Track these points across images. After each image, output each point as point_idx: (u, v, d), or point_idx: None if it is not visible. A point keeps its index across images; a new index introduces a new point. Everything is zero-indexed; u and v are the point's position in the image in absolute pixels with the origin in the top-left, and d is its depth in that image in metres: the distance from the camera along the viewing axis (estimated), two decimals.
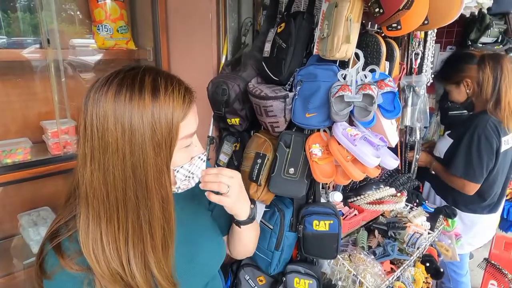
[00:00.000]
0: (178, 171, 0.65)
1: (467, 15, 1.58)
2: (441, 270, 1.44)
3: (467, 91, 1.64)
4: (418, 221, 1.43)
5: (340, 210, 1.32)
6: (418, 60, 1.36)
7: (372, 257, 1.25)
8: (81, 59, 1.24)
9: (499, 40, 1.83)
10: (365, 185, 1.39)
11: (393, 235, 1.38)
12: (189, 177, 0.67)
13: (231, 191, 0.70)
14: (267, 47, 1.20)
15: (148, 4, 1.20)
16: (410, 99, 1.36)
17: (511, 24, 1.78)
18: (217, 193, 0.71)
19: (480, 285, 2.07)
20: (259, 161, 1.16)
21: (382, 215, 1.53)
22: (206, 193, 0.71)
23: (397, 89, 1.09)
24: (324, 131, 1.10)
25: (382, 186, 1.38)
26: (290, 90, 1.13)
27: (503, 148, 1.57)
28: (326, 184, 1.27)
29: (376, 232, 1.41)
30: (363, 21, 1.09)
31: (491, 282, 2.02)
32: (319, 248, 1.14)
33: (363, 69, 1.03)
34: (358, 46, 1.02)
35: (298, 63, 1.14)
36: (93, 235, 0.59)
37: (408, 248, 1.33)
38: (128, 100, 0.55)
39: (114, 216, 0.59)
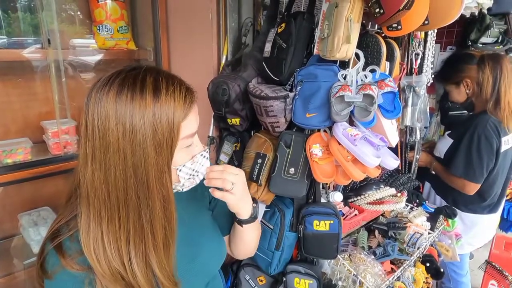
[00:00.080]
0: (180, 170, 0.65)
1: (467, 16, 1.58)
2: (441, 270, 1.44)
3: (467, 91, 1.64)
4: (419, 221, 1.43)
5: (341, 210, 1.32)
6: (419, 60, 1.37)
7: (372, 257, 1.25)
8: (82, 59, 1.24)
9: (499, 41, 1.83)
10: (365, 185, 1.39)
11: (393, 235, 1.38)
12: (193, 175, 0.68)
13: (235, 188, 0.70)
14: (268, 47, 1.21)
15: (148, 4, 1.21)
16: (410, 99, 1.36)
17: (511, 25, 1.78)
18: (220, 190, 0.71)
19: (480, 285, 2.07)
20: (259, 161, 1.16)
21: (382, 215, 1.53)
22: (210, 190, 0.71)
23: (397, 89, 1.09)
24: (325, 131, 1.10)
25: (382, 186, 1.38)
26: (291, 90, 1.13)
27: (503, 148, 1.57)
28: (327, 184, 1.27)
29: (376, 232, 1.41)
30: (364, 22, 1.09)
31: (491, 282, 2.02)
32: (319, 248, 1.14)
33: (364, 69, 1.03)
34: (358, 46, 1.02)
35: (298, 63, 1.14)
36: (94, 235, 0.59)
37: (408, 248, 1.33)
38: (129, 100, 0.56)
39: (115, 215, 0.59)
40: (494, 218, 1.80)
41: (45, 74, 1.15)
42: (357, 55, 1.03)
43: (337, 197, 1.18)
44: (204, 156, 0.69)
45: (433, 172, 1.75)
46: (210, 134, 1.45)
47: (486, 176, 1.58)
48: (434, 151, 1.78)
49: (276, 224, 1.18)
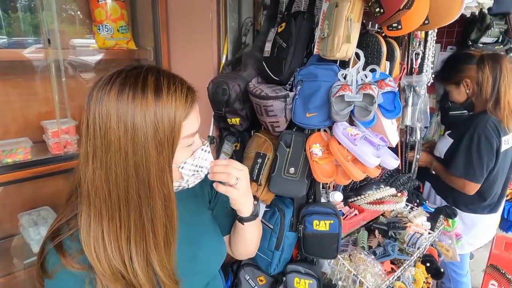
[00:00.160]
0: (183, 168, 0.65)
1: (468, 15, 1.59)
2: (442, 270, 1.44)
3: (467, 91, 1.64)
4: (419, 221, 1.43)
5: (341, 210, 1.32)
6: (419, 60, 1.37)
7: (373, 257, 1.25)
8: (82, 59, 1.24)
9: (500, 40, 1.83)
10: (365, 185, 1.39)
11: (393, 235, 1.38)
12: (196, 171, 0.67)
13: (239, 184, 0.70)
14: (268, 47, 1.20)
15: (148, 4, 1.21)
16: (411, 99, 1.36)
17: (511, 24, 1.78)
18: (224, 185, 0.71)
19: (480, 285, 2.07)
20: (259, 160, 1.16)
21: (382, 215, 1.52)
22: (214, 184, 0.71)
23: (397, 89, 1.09)
24: (325, 130, 1.10)
25: (382, 186, 1.38)
26: (291, 90, 1.13)
27: (503, 147, 1.57)
28: (327, 184, 1.27)
29: (377, 232, 1.41)
30: (364, 21, 1.09)
31: (491, 282, 2.01)
32: (319, 248, 1.14)
33: (364, 68, 1.03)
34: (358, 46, 1.02)
35: (298, 63, 1.14)
36: (95, 234, 0.59)
37: (408, 248, 1.33)
38: (131, 99, 0.56)
39: (116, 214, 0.59)
40: (494, 218, 1.80)
41: (45, 74, 1.15)
42: (357, 54, 1.02)
43: (337, 197, 1.18)
44: (205, 151, 0.68)
45: (433, 172, 1.75)
46: (210, 134, 1.45)
47: (486, 176, 1.58)
48: (434, 151, 1.78)
49: (276, 224, 1.18)
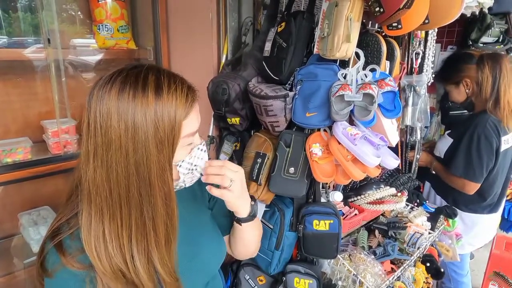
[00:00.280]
0: (180, 166, 0.65)
1: (468, 15, 1.58)
2: (442, 270, 1.43)
3: (467, 91, 1.64)
4: (419, 221, 1.43)
5: (340, 210, 1.32)
6: (419, 60, 1.36)
7: (373, 257, 1.24)
8: (82, 59, 1.24)
9: (500, 40, 1.82)
10: (365, 184, 1.38)
11: (393, 235, 1.38)
12: (192, 169, 0.67)
13: (234, 186, 0.69)
14: (268, 46, 1.20)
15: (148, 4, 1.21)
16: (411, 99, 1.35)
17: None
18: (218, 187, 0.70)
19: (481, 286, 2.06)
20: (259, 160, 1.16)
21: (382, 215, 1.52)
22: (207, 187, 0.70)
23: (397, 88, 1.09)
24: (325, 130, 1.10)
25: (382, 186, 1.38)
26: (291, 90, 1.13)
27: (503, 147, 1.57)
28: (326, 183, 1.27)
29: (377, 232, 1.41)
30: (364, 21, 1.09)
31: (492, 282, 2.01)
32: (319, 247, 1.14)
33: (364, 68, 1.03)
34: (358, 46, 1.01)
35: (298, 62, 1.14)
36: (96, 232, 0.59)
37: (408, 248, 1.33)
38: (131, 98, 0.56)
39: (117, 213, 0.59)
40: (494, 218, 1.80)
41: (45, 73, 1.15)
42: (357, 54, 1.02)
43: (337, 197, 1.18)
44: (201, 149, 0.68)
45: (433, 172, 1.75)
46: (210, 134, 1.45)
47: (486, 175, 1.57)
48: (434, 150, 1.78)
49: (276, 223, 1.18)
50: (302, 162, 1.09)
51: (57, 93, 1.14)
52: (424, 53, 1.38)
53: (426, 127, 1.93)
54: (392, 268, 1.30)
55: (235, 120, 1.28)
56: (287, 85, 1.15)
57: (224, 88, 1.21)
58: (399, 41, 1.36)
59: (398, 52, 1.18)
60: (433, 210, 1.57)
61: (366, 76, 1.02)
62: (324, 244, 1.12)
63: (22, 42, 1.13)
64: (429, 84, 1.43)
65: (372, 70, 1.03)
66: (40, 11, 1.08)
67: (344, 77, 1.02)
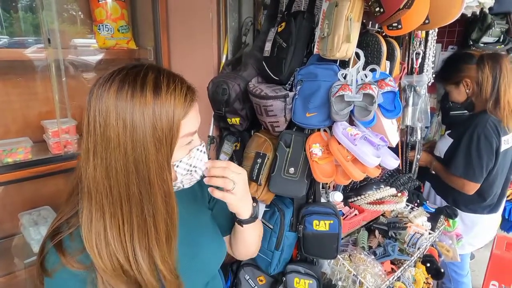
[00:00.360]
0: (178, 166, 0.65)
1: (469, 15, 1.58)
2: (442, 270, 1.43)
3: (467, 91, 1.64)
4: (419, 221, 1.42)
5: (341, 210, 1.32)
6: (419, 60, 1.36)
7: (373, 257, 1.24)
8: (82, 59, 1.24)
9: (501, 40, 1.82)
10: (365, 185, 1.38)
11: (393, 235, 1.38)
12: (190, 170, 0.67)
13: (236, 188, 0.69)
14: (268, 46, 1.20)
15: (148, 4, 1.21)
16: (411, 99, 1.35)
17: None
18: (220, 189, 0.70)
19: (481, 286, 2.06)
20: (259, 160, 1.16)
21: (382, 215, 1.52)
22: (209, 189, 0.70)
23: (397, 88, 1.09)
24: (325, 130, 1.10)
25: (382, 186, 1.38)
26: (291, 90, 1.13)
27: (503, 147, 1.57)
28: (327, 184, 1.27)
29: (377, 232, 1.41)
30: (364, 21, 1.09)
31: (492, 282, 2.01)
32: (319, 248, 1.14)
33: (364, 68, 1.03)
34: (358, 46, 1.01)
35: (298, 62, 1.14)
36: (96, 229, 0.59)
37: (408, 248, 1.33)
38: (130, 96, 0.56)
39: (118, 210, 0.59)
40: (494, 218, 1.79)
41: (45, 73, 1.15)
42: (357, 54, 1.02)
43: (337, 197, 1.18)
44: (201, 151, 0.68)
45: (433, 172, 1.75)
46: (210, 134, 1.45)
47: (485, 175, 1.57)
48: (434, 150, 1.78)
49: (276, 223, 1.18)
50: (302, 162, 1.09)
51: (57, 93, 1.14)
52: (424, 53, 1.38)
53: (426, 127, 1.93)
54: (392, 269, 1.30)
55: (235, 120, 1.28)
56: (287, 85, 1.15)
57: (224, 88, 1.21)
58: (400, 41, 1.36)
59: (398, 52, 1.17)
60: (434, 210, 1.57)
61: (366, 76, 1.02)
62: (324, 244, 1.12)
63: (22, 42, 1.13)
64: (430, 84, 1.43)
65: (372, 70, 1.03)
66: (40, 11, 1.08)
67: (344, 77, 1.02)
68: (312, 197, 1.18)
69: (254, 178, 1.15)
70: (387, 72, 1.16)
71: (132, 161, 0.57)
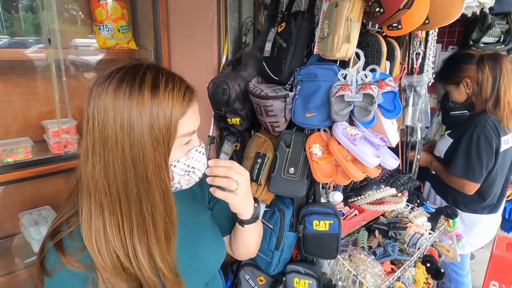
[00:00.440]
0: (175, 166, 0.64)
1: (469, 15, 1.58)
2: (442, 270, 1.43)
3: (467, 91, 1.64)
4: (419, 222, 1.42)
5: (341, 210, 1.32)
6: (419, 60, 1.36)
7: (373, 257, 1.24)
8: (83, 59, 1.24)
9: (501, 40, 1.82)
10: (365, 185, 1.38)
11: (393, 235, 1.38)
12: (188, 171, 0.67)
13: (239, 189, 0.68)
14: (268, 46, 1.20)
15: (149, 4, 1.21)
16: (411, 99, 1.35)
17: None
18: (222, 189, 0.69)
19: (481, 286, 2.06)
20: (259, 160, 1.16)
21: (382, 215, 1.52)
22: (211, 189, 0.69)
23: (397, 88, 1.09)
24: (325, 130, 1.10)
25: (382, 186, 1.38)
26: (291, 90, 1.13)
27: (503, 147, 1.57)
28: (327, 184, 1.27)
29: (377, 232, 1.41)
30: (364, 21, 1.09)
31: (492, 283, 2.01)
32: (319, 248, 1.14)
33: (364, 68, 1.03)
34: (358, 46, 1.01)
35: (298, 62, 1.14)
36: (96, 227, 0.59)
37: (408, 248, 1.33)
38: (127, 95, 0.56)
39: (116, 208, 0.59)
40: (494, 218, 1.79)
41: (46, 73, 1.15)
42: (357, 54, 1.02)
43: (337, 197, 1.18)
44: (200, 152, 0.67)
45: (433, 172, 1.75)
46: (211, 134, 1.45)
47: (485, 175, 1.57)
48: (434, 150, 1.78)
49: (276, 224, 1.18)
50: (302, 162, 1.09)
51: (57, 93, 1.14)
52: (424, 53, 1.38)
53: (426, 127, 1.93)
54: (392, 269, 1.30)
55: (235, 120, 1.28)
56: (287, 85, 1.15)
57: (225, 88, 1.21)
58: (400, 41, 1.36)
59: (398, 52, 1.17)
60: (434, 210, 1.57)
61: (366, 77, 1.02)
62: (324, 245, 1.12)
63: (23, 42, 1.13)
64: (430, 84, 1.43)
65: (372, 70, 1.03)
66: (40, 11, 1.08)
67: (344, 78, 1.02)
68: (312, 197, 1.18)
69: (254, 178, 1.15)
70: (387, 72, 1.16)
71: (129, 159, 0.57)
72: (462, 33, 1.95)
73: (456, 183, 1.61)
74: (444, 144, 1.70)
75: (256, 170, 1.15)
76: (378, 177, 1.46)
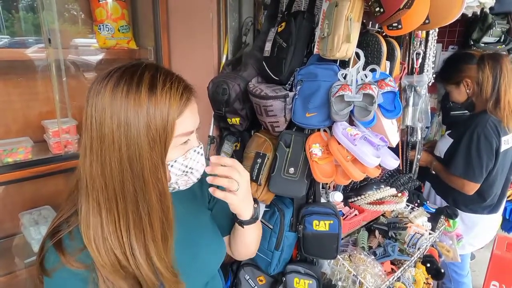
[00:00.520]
0: (172, 166, 0.64)
1: (469, 15, 1.58)
2: (442, 270, 1.43)
3: (467, 91, 1.64)
4: (419, 222, 1.42)
5: (341, 210, 1.32)
6: (420, 60, 1.36)
7: (373, 257, 1.24)
8: (83, 59, 1.24)
9: (502, 40, 1.82)
10: (365, 185, 1.38)
11: (393, 235, 1.38)
12: (186, 171, 0.66)
13: (239, 190, 0.68)
14: (268, 46, 1.20)
15: (149, 4, 1.21)
16: (411, 99, 1.35)
17: None
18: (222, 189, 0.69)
19: (481, 286, 2.06)
20: (259, 160, 1.16)
21: (383, 215, 1.52)
22: (210, 189, 0.68)
23: (397, 88, 1.09)
24: (324, 130, 1.10)
25: (382, 186, 1.38)
26: (290, 90, 1.13)
27: (503, 148, 1.57)
28: (327, 184, 1.27)
29: (377, 232, 1.40)
30: (364, 21, 1.09)
31: (493, 283, 2.01)
32: (319, 248, 1.13)
33: (364, 68, 1.03)
34: (358, 46, 1.01)
35: (298, 62, 1.14)
36: (94, 225, 0.59)
37: (408, 248, 1.32)
38: (124, 94, 0.56)
39: (113, 206, 0.59)
40: (495, 219, 1.79)
41: (46, 73, 1.15)
42: (357, 54, 1.02)
43: (337, 197, 1.18)
44: (198, 152, 0.67)
45: (433, 172, 1.75)
46: (210, 134, 1.45)
47: (485, 176, 1.57)
48: (435, 150, 1.78)
49: (276, 224, 1.18)
50: (302, 162, 1.09)
51: (57, 93, 1.14)
52: (425, 53, 1.38)
53: (427, 127, 1.93)
54: (392, 269, 1.30)
55: (235, 120, 1.28)
56: (287, 85, 1.15)
57: (224, 88, 1.21)
58: (400, 41, 1.35)
59: (398, 52, 1.17)
60: (434, 210, 1.57)
61: (366, 77, 1.01)
62: (324, 245, 1.12)
63: (23, 42, 1.14)
64: (430, 84, 1.42)
65: (372, 70, 1.03)
66: (41, 11, 1.08)
67: (344, 77, 1.02)
68: (312, 197, 1.18)
69: (254, 178, 1.15)
70: (387, 72, 1.16)
71: (126, 158, 0.57)
72: (463, 33, 1.95)
73: (456, 183, 1.61)
74: (444, 144, 1.70)
75: (256, 170, 1.15)
76: (378, 177, 1.46)
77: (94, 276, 0.60)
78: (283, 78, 1.15)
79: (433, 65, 1.45)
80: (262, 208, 1.23)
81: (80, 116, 0.61)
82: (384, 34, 1.07)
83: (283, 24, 1.16)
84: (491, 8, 1.67)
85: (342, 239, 1.34)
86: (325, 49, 1.01)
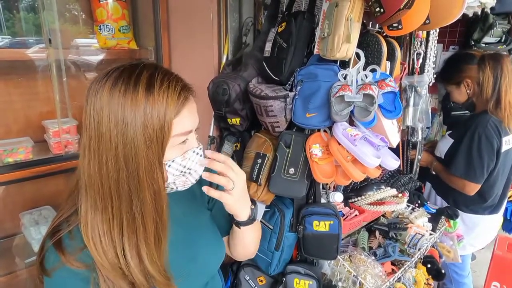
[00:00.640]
0: (169, 166, 0.63)
1: (470, 15, 1.57)
2: (443, 271, 1.43)
3: (468, 91, 1.63)
4: (420, 222, 1.42)
5: (341, 211, 1.32)
6: (420, 60, 1.36)
7: (373, 258, 1.24)
8: (83, 59, 1.25)
9: (503, 40, 1.82)
10: (366, 185, 1.38)
11: (394, 236, 1.38)
12: (184, 172, 0.66)
13: (235, 189, 0.68)
14: (268, 46, 1.20)
15: (149, 4, 1.21)
16: (412, 99, 1.35)
17: None
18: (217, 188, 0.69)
19: (482, 287, 2.05)
20: (259, 161, 1.16)
21: (383, 215, 1.52)
22: (204, 187, 0.68)
23: (398, 89, 1.09)
24: (325, 131, 1.10)
25: (383, 186, 1.38)
26: (291, 90, 1.12)
27: (504, 148, 1.56)
28: (327, 184, 1.26)
29: (377, 232, 1.40)
30: (364, 21, 1.08)
31: (493, 284, 2.00)
32: (319, 248, 1.13)
33: (364, 69, 1.02)
34: (359, 46, 1.01)
35: (298, 62, 1.14)
36: (92, 223, 0.60)
37: (409, 249, 1.32)
38: (122, 93, 0.56)
39: (108, 205, 0.59)
40: (495, 219, 1.79)
41: (46, 73, 1.15)
42: (357, 54, 1.02)
43: (337, 198, 1.18)
44: (197, 153, 0.67)
45: (434, 172, 1.75)
46: (211, 134, 1.45)
47: (486, 176, 1.57)
48: (435, 151, 1.77)
49: (276, 224, 1.18)
50: (302, 162, 1.09)
51: (58, 93, 1.14)
52: (425, 53, 1.38)
53: (427, 127, 1.93)
54: (392, 269, 1.30)
55: (236, 121, 1.28)
56: (287, 85, 1.15)
57: (225, 88, 1.21)
58: (401, 41, 1.35)
59: (398, 53, 1.17)
60: (434, 211, 1.57)
61: (366, 77, 1.01)
62: (324, 245, 1.12)
63: (24, 42, 1.14)
64: (431, 84, 1.42)
65: (373, 70, 1.02)
66: (41, 11, 1.09)
67: (344, 78, 1.02)
68: (312, 197, 1.18)
69: (254, 178, 1.15)
70: (388, 72, 1.16)
71: (122, 157, 0.58)
72: (463, 33, 1.95)
73: (457, 183, 1.60)
74: (445, 145, 1.70)
75: (256, 170, 1.15)
76: (378, 177, 1.45)
77: (95, 276, 0.60)
78: (283, 79, 1.15)
79: (434, 66, 1.45)
80: (262, 208, 1.23)
81: (81, 116, 0.61)
82: (384, 34, 1.07)
83: (283, 24, 1.16)
84: (492, 8, 1.66)
85: (342, 239, 1.33)
86: (325, 49, 1.00)
